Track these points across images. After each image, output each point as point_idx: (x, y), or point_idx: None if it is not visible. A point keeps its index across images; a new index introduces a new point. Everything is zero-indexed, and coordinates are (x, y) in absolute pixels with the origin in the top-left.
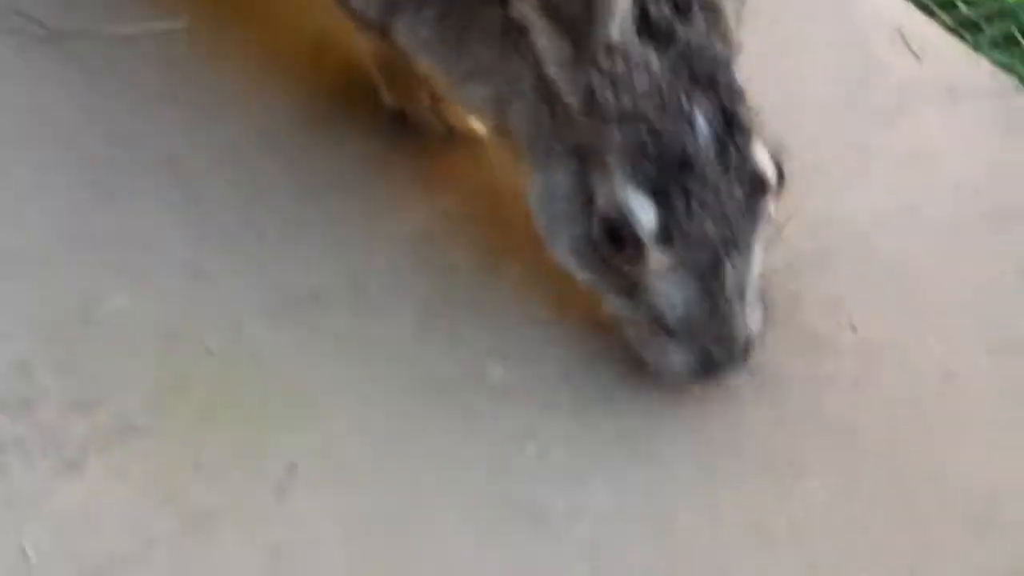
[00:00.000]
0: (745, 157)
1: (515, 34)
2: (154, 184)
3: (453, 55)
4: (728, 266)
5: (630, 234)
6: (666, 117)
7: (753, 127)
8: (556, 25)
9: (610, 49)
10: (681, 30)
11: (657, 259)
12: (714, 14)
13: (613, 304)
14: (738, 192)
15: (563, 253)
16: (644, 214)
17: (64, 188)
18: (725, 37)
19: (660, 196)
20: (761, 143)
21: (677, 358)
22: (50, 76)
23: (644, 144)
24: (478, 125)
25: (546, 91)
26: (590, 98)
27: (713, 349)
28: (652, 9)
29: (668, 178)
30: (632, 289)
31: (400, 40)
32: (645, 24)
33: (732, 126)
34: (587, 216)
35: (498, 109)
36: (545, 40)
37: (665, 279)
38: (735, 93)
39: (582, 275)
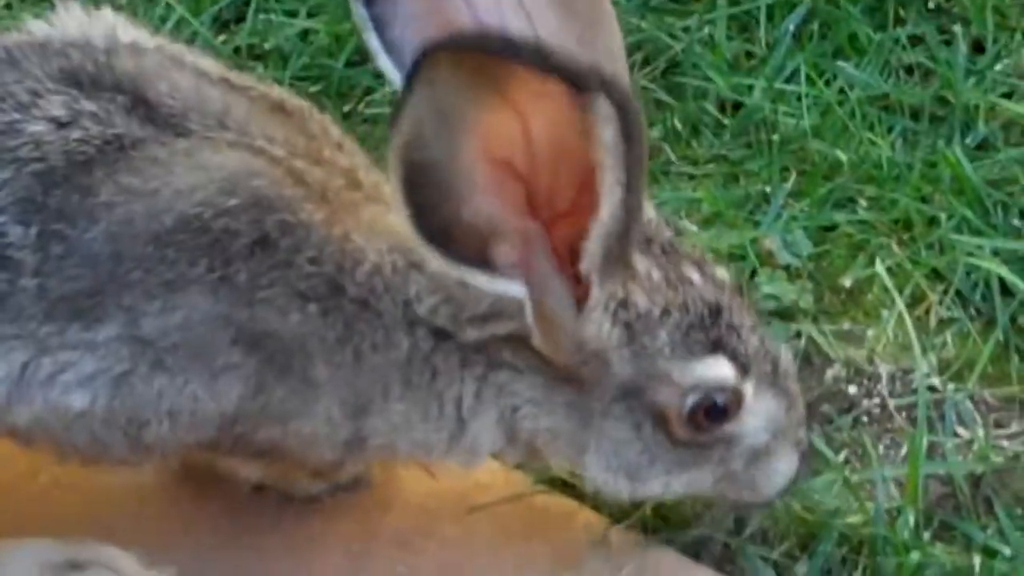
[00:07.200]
0: (714, 269)
1: (482, 372)
2: None
3: (454, 438)
4: (784, 358)
5: (723, 396)
6: (681, 290)
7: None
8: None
9: (633, 276)
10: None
11: (749, 392)
12: None
13: (705, 488)
14: (733, 290)
15: (655, 486)
16: (722, 370)
17: None
18: None
19: (719, 346)
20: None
21: (785, 465)
22: None
23: (681, 324)
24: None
25: (561, 380)
26: (630, 330)
27: (802, 432)
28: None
29: (713, 329)
30: (724, 453)
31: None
32: None
33: (700, 260)
34: (660, 435)
35: (529, 441)
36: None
37: (756, 407)
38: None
39: (678, 488)
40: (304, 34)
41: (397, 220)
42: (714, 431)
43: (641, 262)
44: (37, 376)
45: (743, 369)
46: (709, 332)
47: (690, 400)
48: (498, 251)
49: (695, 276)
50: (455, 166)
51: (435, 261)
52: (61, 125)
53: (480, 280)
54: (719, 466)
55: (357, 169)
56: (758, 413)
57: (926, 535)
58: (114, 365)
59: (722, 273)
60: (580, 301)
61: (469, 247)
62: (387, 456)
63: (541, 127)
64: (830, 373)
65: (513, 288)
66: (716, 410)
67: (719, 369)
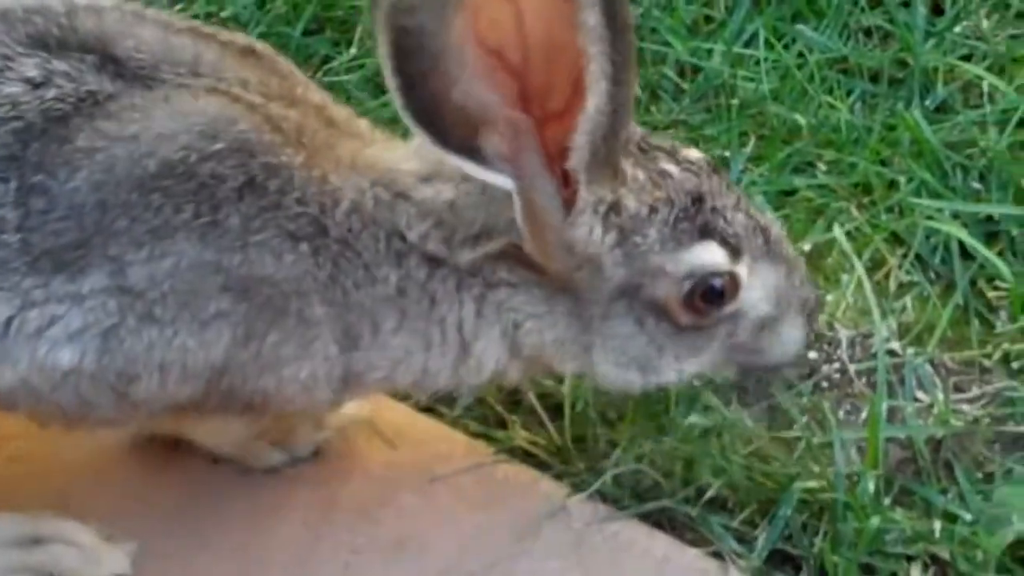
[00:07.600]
0: (687, 153)
1: (480, 292)
2: None
3: (459, 360)
4: (774, 226)
5: (719, 280)
6: (663, 185)
7: None
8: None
9: (623, 181)
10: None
11: (744, 272)
12: None
13: (718, 365)
14: (710, 171)
15: (669, 374)
16: (713, 254)
17: None
18: None
19: (707, 232)
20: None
21: (791, 329)
22: None
23: (668, 219)
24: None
25: (558, 291)
26: (622, 232)
27: (807, 290)
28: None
29: (698, 216)
30: (730, 329)
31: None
32: None
33: (672, 150)
34: (664, 325)
35: (533, 354)
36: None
37: (753, 282)
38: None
39: (691, 370)
40: (262, 2)
41: (376, 153)
42: (715, 313)
43: (625, 164)
44: (23, 331)
45: (734, 251)
46: (695, 220)
47: (686, 286)
48: (487, 140)
49: (672, 168)
50: (444, 40)
51: (423, 142)
52: (36, 85)
53: (469, 168)
54: (727, 341)
55: (328, 105)
56: (757, 287)
57: (886, 500)
58: (102, 318)
59: (695, 155)
60: (568, 203)
61: (458, 132)
62: (386, 388)
63: (534, 19)
64: None
65: (500, 180)
66: (713, 292)
67: (710, 254)
